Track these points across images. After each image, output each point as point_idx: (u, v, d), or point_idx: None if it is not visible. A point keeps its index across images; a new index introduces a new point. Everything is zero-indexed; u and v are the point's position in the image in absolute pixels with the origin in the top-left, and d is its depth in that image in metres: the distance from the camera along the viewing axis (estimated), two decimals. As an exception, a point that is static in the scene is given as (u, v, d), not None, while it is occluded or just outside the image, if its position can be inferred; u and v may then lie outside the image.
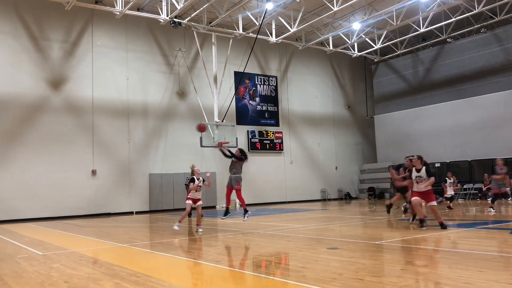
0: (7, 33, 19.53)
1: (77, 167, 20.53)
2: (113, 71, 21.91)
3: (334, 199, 28.42)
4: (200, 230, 11.61)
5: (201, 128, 9.21)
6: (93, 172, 20.88)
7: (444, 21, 23.87)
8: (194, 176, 11.86)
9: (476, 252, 7.05)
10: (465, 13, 22.85)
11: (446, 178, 16.62)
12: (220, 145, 21.44)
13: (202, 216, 11.99)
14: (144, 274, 6.30)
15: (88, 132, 20.96)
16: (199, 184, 11.83)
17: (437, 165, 25.28)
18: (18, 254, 8.88)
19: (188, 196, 11.80)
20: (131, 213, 21.57)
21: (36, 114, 19.80)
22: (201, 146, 21.26)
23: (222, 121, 21.88)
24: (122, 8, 19.54)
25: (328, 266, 6.39)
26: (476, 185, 23.16)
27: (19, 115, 19.40)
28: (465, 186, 23.17)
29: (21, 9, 19.91)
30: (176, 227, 11.53)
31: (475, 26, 24.95)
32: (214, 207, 23.93)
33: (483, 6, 21.78)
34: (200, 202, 11.86)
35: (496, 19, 23.54)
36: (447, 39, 26.44)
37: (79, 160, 20.56)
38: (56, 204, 19.73)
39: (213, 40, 22.71)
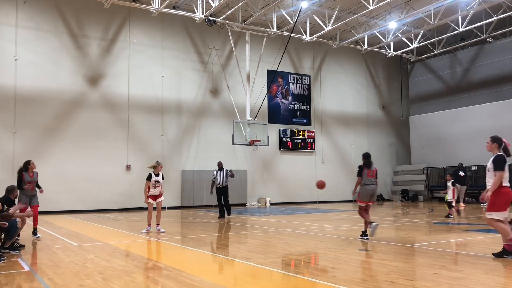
0: (49, 31, 20.17)
1: (112, 162, 21.02)
2: (149, 68, 22.31)
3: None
4: (162, 230, 11.04)
5: (320, 186, 8.91)
6: (128, 167, 21.34)
7: (485, 20, 23.13)
8: (152, 172, 11.26)
9: (514, 259, 6.81)
10: (507, 12, 22.07)
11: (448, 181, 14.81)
12: (252, 143, 21.54)
13: (161, 211, 11.25)
14: (175, 269, 6.40)
15: (123, 128, 21.43)
16: (156, 180, 11.17)
17: (474, 168, 24.56)
18: (55, 245, 9.18)
19: (148, 195, 11.13)
20: (163, 208, 21.86)
21: (74, 110, 20.38)
22: (233, 144, 21.37)
23: (254, 119, 21.93)
24: (158, 6, 19.86)
25: (359, 267, 6.32)
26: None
27: (58, 111, 20.02)
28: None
29: (62, 7, 20.53)
30: (144, 231, 11.04)
31: (517, 26, 24.09)
32: (245, 204, 24.03)
33: (527, 5, 21.02)
34: (161, 199, 11.25)
35: (541, 18, 22.68)
36: (487, 39, 25.62)
37: (114, 155, 21.05)
38: (92, 197, 20.28)
39: (247, 38, 22.77)
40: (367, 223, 9.23)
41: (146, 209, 11.96)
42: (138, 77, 21.94)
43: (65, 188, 19.64)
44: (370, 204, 9.52)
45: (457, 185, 18.11)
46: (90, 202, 20.23)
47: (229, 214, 16.07)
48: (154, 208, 11.30)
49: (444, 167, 26.82)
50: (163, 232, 10.95)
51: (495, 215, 6.70)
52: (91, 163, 20.37)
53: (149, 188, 11.17)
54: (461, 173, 19.68)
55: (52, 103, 19.88)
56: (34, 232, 10.34)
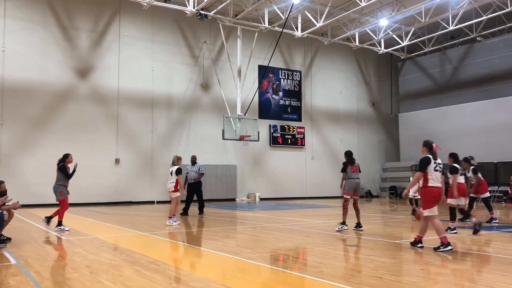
0: (37, 22, 19.92)
1: (101, 156, 20.89)
2: (139, 62, 22.16)
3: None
4: (175, 223, 11.34)
5: (418, 217, 8.94)
6: (117, 161, 21.22)
7: (475, 19, 23.30)
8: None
9: (499, 255, 6.91)
10: (497, 11, 22.25)
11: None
12: (242, 138, 21.54)
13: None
14: (163, 263, 6.39)
15: (113, 121, 21.29)
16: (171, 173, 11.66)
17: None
18: (42, 238, 9.12)
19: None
20: (152, 202, 21.86)
21: (63, 102, 20.19)
22: (223, 138, 21.35)
23: (245, 114, 21.91)
24: (149, -1, 19.71)
25: (347, 263, 6.37)
26: (502, 188, 22.64)
27: (47, 103, 19.81)
28: (489, 189, 22.63)
29: (51, -2, 20.29)
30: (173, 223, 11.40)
31: (506, 25, 24.29)
32: (234, 199, 24.05)
33: (516, 4, 21.18)
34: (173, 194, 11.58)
35: (529, 18, 22.90)
36: (477, 38, 25.83)
37: (103, 148, 20.92)
38: (80, 190, 20.09)
39: (238, 33, 22.71)
40: (345, 215, 10.05)
41: (134, 203, 11.93)
42: (128, 70, 21.79)
43: (53, 181, 19.37)
44: (356, 198, 10.23)
45: None
46: (78, 195, 20.01)
47: (201, 212, 14.96)
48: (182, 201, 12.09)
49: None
50: (177, 224, 11.32)
51: (427, 212, 7.27)
52: (79, 156, 20.05)
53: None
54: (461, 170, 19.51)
55: (40, 95, 19.67)
56: (60, 223, 10.29)
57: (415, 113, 28.93)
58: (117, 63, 21.53)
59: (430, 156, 7.50)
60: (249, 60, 22.87)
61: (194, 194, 14.93)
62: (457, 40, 26.98)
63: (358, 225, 10.11)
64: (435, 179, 7.31)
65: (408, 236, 9.35)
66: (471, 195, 11.77)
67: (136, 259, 6.64)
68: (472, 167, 11.73)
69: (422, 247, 7.44)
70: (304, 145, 27.00)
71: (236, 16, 22.32)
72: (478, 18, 23.07)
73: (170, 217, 11.47)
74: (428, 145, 7.68)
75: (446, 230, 9.28)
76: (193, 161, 15.21)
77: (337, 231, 9.86)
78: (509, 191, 21.61)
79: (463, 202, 9.85)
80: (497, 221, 11.73)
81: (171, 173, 11.64)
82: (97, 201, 20.44)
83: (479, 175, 11.92)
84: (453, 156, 9.83)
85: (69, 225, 10.49)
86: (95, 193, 20.51)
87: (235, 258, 6.75)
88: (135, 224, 11.86)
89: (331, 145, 28.25)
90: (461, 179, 9.71)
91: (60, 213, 10.32)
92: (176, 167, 11.59)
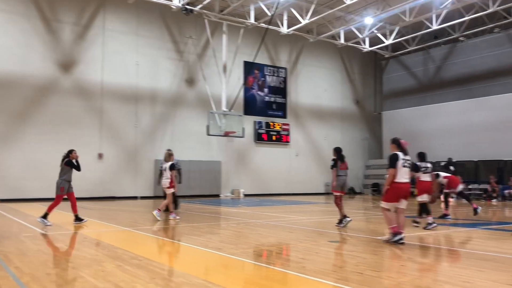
0: (19, 14, 19.57)
1: (84, 150, 20.52)
2: (123, 56, 21.95)
3: (338, 193, 28.36)
4: (172, 216, 11.64)
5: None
6: (100, 156, 21.02)
7: (458, 19, 23.61)
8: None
9: (477, 252, 7.06)
10: (479, 12, 22.58)
11: None
12: (227, 134, 21.52)
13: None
14: (145, 258, 6.38)
15: (96, 116, 21.07)
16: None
17: (443, 164, 25.15)
18: (23, 233, 9.01)
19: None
20: (135, 197, 21.72)
21: (46, 96, 19.90)
22: (208, 134, 21.30)
23: (230, 110, 21.89)
24: (134, -7, 19.50)
25: (328, 258, 6.44)
26: (482, 186, 23.05)
27: (29, 96, 19.50)
28: (470, 186, 23.07)
29: (34, -10, 19.95)
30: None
31: (488, 26, 24.67)
32: (218, 195, 24.03)
33: (498, 6, 21.51)
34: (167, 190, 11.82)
35: (510, 19, 23.25)
36: (460, 38, 26.18)
37: (86, 143, 20.67)
38: (62, 185, 19.90)
39: (224, 28, 22.64)
40: (342, 210, 10.08)
41: (117, 198, 11.90)
42: (112, 64, 21.57)
43: (34, 176, 19.20)
44: (342, 194, 10.24)
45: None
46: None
47: (176, 208, 13.99)
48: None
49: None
50: (176, 218, 11.49)
51: (384, 205, 7.68)
52: (62, 150, 19.73)
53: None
54: (452, 168, 19.44)
55: (22, 88, 19.35)
56: (78, 218, 10.55)
57: (399, 111, 29.24)
58: (101, 57, 21.30)
59: (398, 153, 7.71)
60: (234, 56, 22.84)
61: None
62: (440, 40, 27.31)
63: (340, 222, 10.17)
64: (402, 175, 7.54)
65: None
66: (445, 190, 12.34)
67: (119, 254, 6.61)
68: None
69: (401, 239, 7.51)
70: (289, 142, 27.09)
71: (221, 11, 22.25)
72: (461, 18, 23.39)
73: (171, 212, 11.81)
74: (396, 142, 7.89)
75: (426, 227, 9.49)
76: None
77: (342, 227, 9.89)
78: (489, 189, 22.02)
79: (426, 198, 10.22)
80: (449, 217, 12.00)
81: (165, 170, 11.81)
82: (80, 196, 20.03)
83: (441, 177, 12.22)
84: (419, 155, 10.44)
85: (51, 220, 10.38)
86: (78, 188, 19.89)
87: (218, 254, 6.76)
88: (118, 219, 11.79)
89: (315, 142, 28.40)
90: (425, 177, 10.15)
91: (50, 206, 10.39)
92: (170, 163, 11.78)
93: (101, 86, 21.21)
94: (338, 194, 10.14)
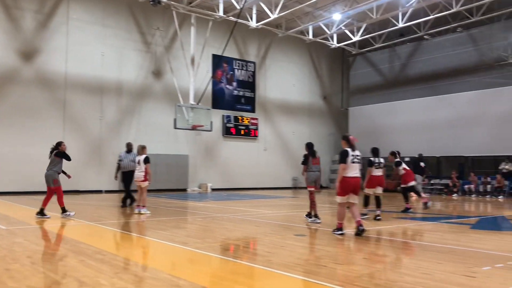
0: (-22, 0, 18.80)
1: (46, 142, 19.78)
2: (88, 46, 21.39)
3: (304, 188, 28.68)
4: (143, 211, 11.54)
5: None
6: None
7: (423, 18, 24.17)
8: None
9: (437, 244, 7.29)
10: (443, 11, 23.17)
11: None
12: (194, 128, 21.37)
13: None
14: (110, 253, 6.28)
15: (59, 107, 20.50)
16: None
17: (407, 159, 25.80)
18: (-20, 228, 8.70)
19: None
20: (100, 191, 21.31)
21: (6, 86, 19.20)
22: (175, 128, 21.09)
23: (198, 103, 21.73)
24: (100, -18, 19.03)
25: (294, 252, 6.50)
26: (444, 181, 23.77)
27: (-12, 86, 18.79)
28: (432, 182, 23.77)
29: (-6, -25, 19.18)
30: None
31: (452, 25, 25.35)
32: (185, 189, 23.87)
33: (461, 6, 22.14)
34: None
35: (472, 19, 23.97)
36: (424, 36, 26.81)
37: (49, 135, 20.05)
38: (24, 178, 19.29)
39: (192, 21, 22.40)
40: (315, 208, 10.13)
41: (80, 192, 11.67)
42: (76, 54, 21.00)
43: (-7, 169, 18.55)
44: (315, 189, 10.27)
45: (417, 175, 18.59)
46: (22, 183, 19.24)
47: (132, 203, 13.76)
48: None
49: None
50: (146, 213, 11.34)
51: (338, 199, 8.05)
52: (23, 142, 19.34)
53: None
54: (422, 164, 19.58)
55: (-20, 77, 18.61)
56: (65, 211, 10.65)
57: (365, 107, 29.75)
58: (65, 47, 20.70)
59: (348, 149, 8.08)
60: (202, 49, 22.64)
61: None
62: (406, 38, 27.88)
63: (310, 215, 10.16)
64: (352, 170, 7.92)
65: (354, 225, 9.65)
66: (402, 185, 12.82)
67: (82, 249, 6.48)
68: (396, 159, 12.95)
69: (342, 234, 7.96)
70: (257, 136, 27.14)
71: (190, 3, 22.00)
72: (426, 17, 23.94)
73: (144, 206, 11.61)
74: (346, 139, 8.33)
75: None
76: (129, 148, 13.96)
77: (310, 222, 9.88)
78: (450, 184, 22.74)
79: (380, 191, 10.85)
80: (411, 210, 12.40)
81: (138, 163, 11.68)
82: (42, 190, 19.60)
83: (401, 167, 12.81)
84: (372, 151, 11.12)
85: (12, 215, 10.06)
86: (40, 181, 19.42)
87: (184, 248, 6.73)
88: (82, 214, 11.54)
89: (283, 136, 28.58)
90: (377, 172, 10.77)
91: (59, 200, 10.66)
92: (144, 156, 11.70)
93: (65, 76, 20.64)
94: (311, 189, 10.15)
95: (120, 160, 13.90)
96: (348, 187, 7.94)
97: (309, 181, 10.11)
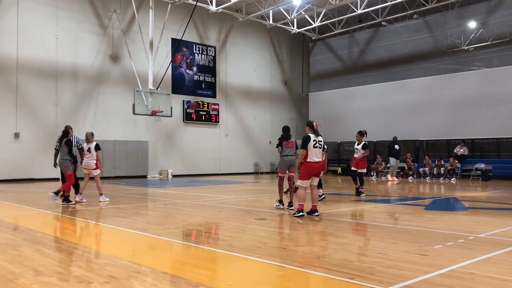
0: None
1: (-2, 129, 19.26)
2: (41, 29, 20.55)
3: (266, 173, 28.99)
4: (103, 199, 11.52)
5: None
6: (16, 135, 19.72)
7: (381, 4, 24.59)
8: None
9: (392, 225, 7.56)
10: (400, -2, 23.64)
11: None
12: (154, 114, 21.03)
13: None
14: (67, 241, 6.15)
15: (11, 92, 19.66)
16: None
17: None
18: None
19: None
20: (56, 179, 20.69)
21: (-48, 70, 18.24)
22: (134, 113, 20.69)
23: (157, 89, 21.36)
24: (52, -39, 18.24)
25: (255, 235, 6.58)
26: (399, 164, 24.46)
27: None
28: (388, 165, 24.44)
29: None
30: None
31: (408, 12, 25.94)
32: (145, 176, 23.57)
33: (417, -7, 22.68)
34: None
35: (428, 6, 24.61)
36: (382, 22, 27.33)
37: (0, 121, 19.31)
38: (-27, 167, 18.50)
39: (150, 3, 21.86)
40: (281, 193, 10.15)
41: (36, 180, 11.32)
42: (28, 37, 20.13)
43: None
44: (292, 174, 10.04)
45: (392, 159, 18.85)
46: (-29, 172, 18.45)
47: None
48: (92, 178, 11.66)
49: (339, 142, 28.58)
50: (105, 201, 11.27)
51: (300, 183, 8.36)
52: (-28, 129, 18.49)
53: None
54: (396, 146, 19.72)
55: None
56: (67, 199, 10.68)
57: (324, 92, 30.15)
58: (15, 29, 19.79)
59: (311, 135, 8.40)
60: (161, 33, 22.20)
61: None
62: (364, 24, 28.35)
63: (291, 204, 9.68)
64: (313, 155, 8.23)
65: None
66: (359, 170, 12.83)
67: (38, 238, 6.32)
68: (363, 142, 12.98)
69: (303, 215, 8.29)
70: (218, 122, 27.04)
71: (148, -14, 21.46)
72: (383, 4, 24.37)
73: (101, 194, 11.43)
74: (310, 125, 8.62)
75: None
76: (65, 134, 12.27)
77: (282, 208, 9.75)
78: (405, 167, 23.48)
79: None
80: (364, 194, 12.55)
81: (89, 150, 11.33)
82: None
83: (367, 150, 12.95)
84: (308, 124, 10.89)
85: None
86: (-9, 169, 18.94)
87: (145, 235, 6.68)
88: (37, 202, 11.21)
89: (245, 122, 28.60)
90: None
91: (67, 188, 10.71)
92: (94, 143, 11.43)
93: (16, 60, 19.78)
94: (282, 175, 10.09)
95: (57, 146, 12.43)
96: (311, 172, 8.28)
97: (281, 166, 9.98)
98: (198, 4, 20.95)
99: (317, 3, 25.42)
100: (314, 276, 4.34)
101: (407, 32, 26.39)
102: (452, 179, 20.74)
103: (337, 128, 28.73)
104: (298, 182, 8.32)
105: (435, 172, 22.20)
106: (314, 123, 8.55)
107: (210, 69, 26.93)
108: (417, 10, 25.37)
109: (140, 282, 4.13)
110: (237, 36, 28.30)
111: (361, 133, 13.23)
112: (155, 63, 21.74)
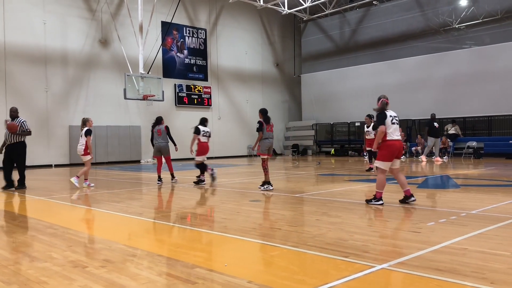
0: None
1: (-13, 117, 19.06)
2: (28, 14, 20.19)
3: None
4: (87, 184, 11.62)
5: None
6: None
7: (372, -16, 24.41)
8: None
9: (385, 204, 7.61)
10: (391, -23, 23.47)
11: None
12: (145, 98, 20.87)
13: None
14: (62, 227, 6.15)
15: (0, 79, 19.41)
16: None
17: (357, 124, 26.50)
18: None
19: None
20: (50, 166, 20.62)
21: None
22: (125, 98, 20.51)
23: (148, 73, 21.16)
24: None
25: (249, 217, 6.61)
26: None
27: None
28: (425, 144, 24.43)
29: None
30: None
31: (400, -9, 25.77)
32: (139, 161, 23.52)
33: (408, -29, 22.48)
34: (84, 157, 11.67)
35: (419, -15, 24.46)
36: (373, 2, 27.12)
37: (-10, 109, 19.10)
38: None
39: (139, -14, 21.51)
40: (267, 175, 10.18)
41: (29, 167, 11.17)
42: (15, 22, 19.80)
43: None
44: (269, 157, 10.20)
45: (430, 138, 18.68)
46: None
47: (21, 186, 11.33)
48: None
49: (331, 123, 28.61)
50: (91, 186, 11.45)
51: (378, 164, 7.47)
52: (-38, 117, 18.28)
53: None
54: (436, 124, 18.91)
55: None
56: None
57: (316, 74, 30.04)
58: (1, 14, 19.44)
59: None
60: (151, 16, 21.87)
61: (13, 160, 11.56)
62: (355, 4, 28.13)
63: (264, 184, 10.00)
64: (393, 133, 7.92)
65: (308, 189, 9.91)
66: (368, 148, 14.22)
67: (32, 225, 6.31)
68: (372, 124, 14.18)
69: (382, 203, 7.45)
70: (210, 105, 26.92)
71: (136, -32, 21.09)
72: (374, -17, 24.17)
73: (78, 177, 11.37)
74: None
75: (198, 182, 11.30)
76: (14, 115, 11.82)
77: (262, 190, 9.75)
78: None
79: (202, 158, 11.50)
80: (374, 170, 13.30)
81: (81, 136, 11.41)
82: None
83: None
84: (201, 121, 12.07)
85: None
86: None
87: (139, 219, 6.69)
88: (31, 189, 11.17)
89: (237, 105, 28.50)
90: (204, 139, 11.49)
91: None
92: (86, 128, 11.35)
93: (4, 46, 19.48)
94: (265, 157, 10.10)
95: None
96: (393, 152, 7.51)
97: (262, 148, 10.07)
98: (188, -15, 20.63)
99: (308, -17, 25.13)
100: (308, 255, 4.38)
101: (398, 11, 26.23)
102: (444, 158, 20.88)
103: (329, 109, 28.73)
104: (377, 164, 7.47)
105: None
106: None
107: (201, 52, 26.69)
108: (408, -12, 25.17)
109: (136, 265, 4.14)
110: (227, 18, 28.00)
111: (370, 116, 14.54)
112: (145, 47, 21.48)
